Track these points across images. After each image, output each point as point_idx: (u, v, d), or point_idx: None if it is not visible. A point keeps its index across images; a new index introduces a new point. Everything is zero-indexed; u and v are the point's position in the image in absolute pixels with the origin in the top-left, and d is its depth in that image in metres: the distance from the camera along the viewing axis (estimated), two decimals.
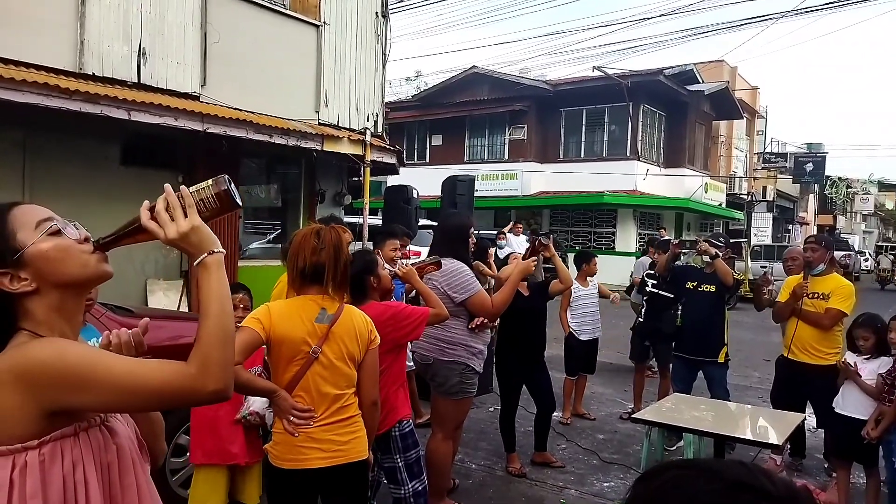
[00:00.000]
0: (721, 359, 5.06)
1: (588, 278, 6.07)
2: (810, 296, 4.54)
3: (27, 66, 5.82)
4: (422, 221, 9.93)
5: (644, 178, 19.66)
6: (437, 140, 23.16)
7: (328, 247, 2.30)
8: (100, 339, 1.43)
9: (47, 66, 5.99)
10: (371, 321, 2.46)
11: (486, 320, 3.74)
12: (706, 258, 5.10)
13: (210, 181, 1.29)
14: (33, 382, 1.10)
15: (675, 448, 5.13)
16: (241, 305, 3.07)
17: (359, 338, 2.37)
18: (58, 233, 1.22)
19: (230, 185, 1.29)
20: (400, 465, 3.09)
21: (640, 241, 19.51)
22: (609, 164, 19.35)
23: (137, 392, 1.15)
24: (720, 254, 5.04)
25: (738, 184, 27.49)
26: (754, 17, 17.59)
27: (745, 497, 0.68)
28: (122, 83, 6.56)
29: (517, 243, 11.40)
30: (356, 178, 9.85)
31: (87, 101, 5.69)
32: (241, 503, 3.04)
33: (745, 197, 27.58)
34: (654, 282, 5.96)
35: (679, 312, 5.27)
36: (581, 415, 5.99)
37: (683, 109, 21.15)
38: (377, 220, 9.87)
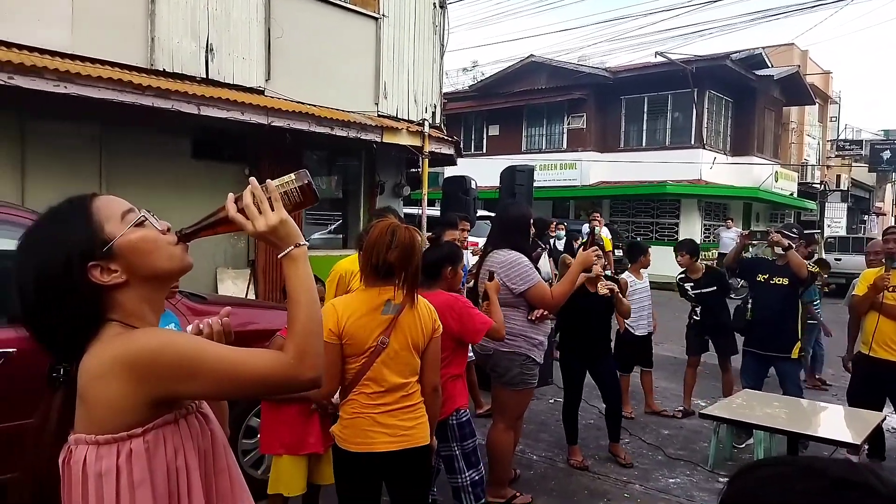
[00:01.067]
0: (794, 354, 4.87)
1: (642, 271, 5.91)
2: (891, 289, 4.31)
3: (102, 62, 6.08)
4: (479, 212, 9.92)
5: (711, 166, 19.00)
6: (493, 130, 23.01)
7: (400, 248, 2.32)
8: (177, 324, 1.46)
9: (121, 62, 6.25)
10: (434, 311, 2.49)
11: (545, 312, 3.70)
12: (778, 250, 4.89)
13: (293, 175, 1.30)
14: (144, 372, 1.11)
15: (744, 446, 4.97)
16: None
17: (423, 327, 2.41)
18: (142, 223, 1.22)
19: (310, 176, 1.30)
20: (457, 453, 3.12)
21: (704, 233, 18.92)
22: (672, 153, 18.80)
23: (241, 380, 1.16)
24: (792, 245, 4.84)
25: (811, 172, 26.30)
26: None
27: (852, 495, 0.64)
28: (192, 79, 6.78)
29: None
30: (414, 170, 9.91)
31: (159, 97, 5.90)
32: (316, 484, 3.11)
33: (818, 186, 26.35)
34: (692, 283, 5.84)
35: (749, 306, 5.08)
36: (657, 412, 5.83)
37: (752, 95, 20.33)
38: (435, 211, 9.90)
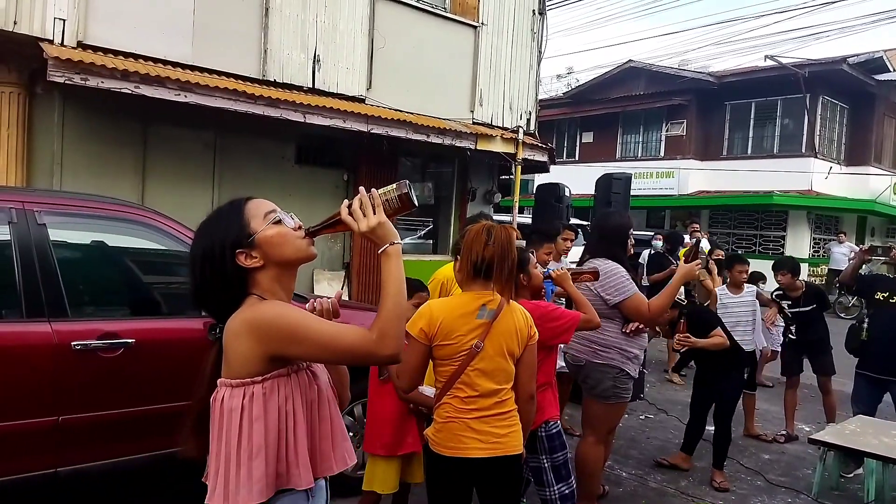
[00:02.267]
0: None
1: (743, 286, 5.61)
2: None
3: (219, 73, 6.49)
4: (572, 221, 9.78)
5: (826, 176, 17.83)
6: (587, 137, 22.64)
7: (498, 243, 2.38)
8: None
9: (236, 73, 6.65)
10: (531, 318, 2.48)
11: (641, 325, 3.60)
12: None
13: (394, 185, 1.57)
14: (262, 333, 1.45)
15: (852, 475, 4.64)
16: (417, 301, 3.17)
17: (518, 334, 2.40)
18: (279, 222, 1.55)
19: (409, 188, 1.56)
20: (546, 465, 3.06)
21: (813, 247, 17.80)
22: (780, 162, 17.80)
23: (334, 348, 1.46)
24: None
25: None
26: None
27: None
28: (299, 88, 7.11)
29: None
30: (505, 177, 9.90)
31: (269, 106, 6.23)
32: (406, 483, 3.18)
33: None
34: (789, 302, 5.55)
35: (865, 325, 4.75)
36: (756, 435, 5.56)
37: (870, 101, 18.94)
38: (526, 219, 9.86)
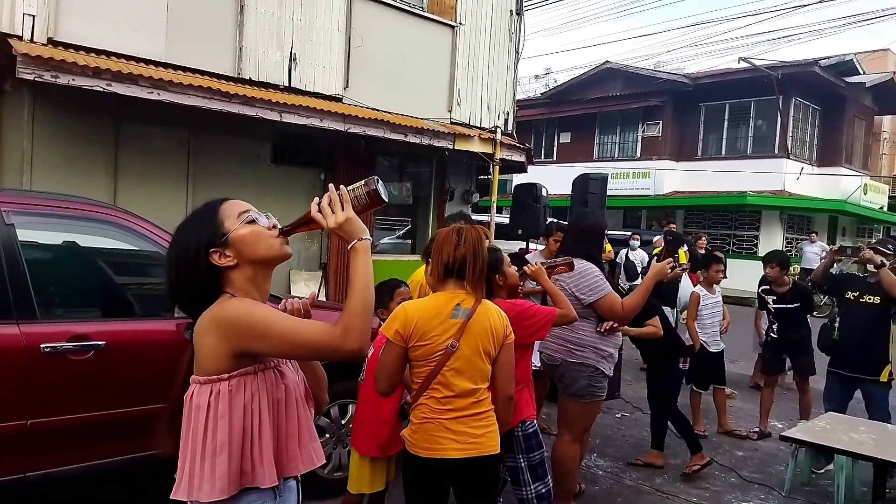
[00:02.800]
0: (884, 377, 4.60)
1: (714, 286, 5.70)
2: None
3: (193, 71, 6.41)
4: (549, 220, 9.81)
5: (798, 177, 18.14)
6: (565, 138, 22.79)
7: (468, 244, 2.40)
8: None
9: (210, 71, 6.57)
10: (506, 317, 2.49)
11: (616, 324, 3.63)
12: (870, 267, 4.62)
13: (363, 181, 1.59)
14: (227, 329, 1.47)
15: (823, 471, 4.73)
16: (400, 298, 3.17)
17: (494, 333, 2.40)
18: (253, 221, 1.57)
19: (378, 184, 1.58)
20: (522, 465, 3.07)
21: (786, 246, 18.10)
22: (753, 163, 18.09)
23: (298, 343, 1.48)
24: (886, 262, 4.55)
25: None
26: None
27: None
28: (275, 87, 7.05)
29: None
30: (484, 177, 9.92)
31: (245, 104, 6.16)
32: (387, 481, 3.19)
33: None
34: (774, 297, 5.60)
35: (836, 325, 4.83)
36: (730, 431, 5.62)
37: (841, 103, 19.32)
38: (504, 219, 9.88)
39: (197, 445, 1.47)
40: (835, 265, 5.61)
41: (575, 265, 3.50)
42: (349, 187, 1.58)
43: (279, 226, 1.61)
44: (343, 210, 1.53)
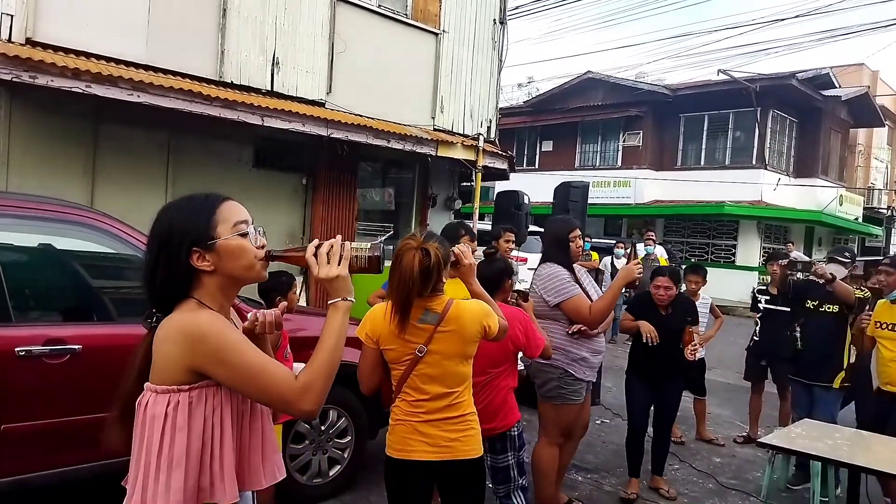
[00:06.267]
0: (836, 384, 4.59)
1: (699, 294, 5.70)
2: (882, 326, 4.14)
3: (174, 73, 6.36)
4: (532, 228, 9.85)
5: (775, 188, 18.42)
6: (547, 146, 22.94)
7: (398, 270, 2.30)
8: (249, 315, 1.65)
9: (192, 74, 6.52)
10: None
11: (584, 327, 3.66)
12: (823, 282, 4.57)
13: (369, 244, 1.57)
14: (193, 343, 1.39)
15: (800, 487, 4.71)
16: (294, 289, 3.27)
17: (468, 336, 2.35)
18: (245, 235, 1.50)
19: (382, 254, 1.57)
20: (512, 462, 3.15)
21: (763, 256, 18.36)
22: (732, 173, 18.34)
23: (256, 383, 1.41)
24: (836, 276, 4.45)
25: (878, 197, 25.24)
26: None
27: None
28: (258, 91, 7.02)
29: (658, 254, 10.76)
30: (466, 184, 9.95)
31: (226, 107, 6.12)
32: None
33: (885, 211, 25.28)
34: (768, 297, 5.63)
35: (798, 334, 4.85)
36: (708, 440, 5.65)
37: (817, 116, 19.68)
38: (486, 226, 9.89)
39: (151, 458, 1.39)
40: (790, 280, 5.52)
41: (543, 269, 3.69)
42: (353, 244, 1.54)
43: (266, 246, 1.55)
44: (339, 265, 1.50)
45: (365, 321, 2.41)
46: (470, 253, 2.74)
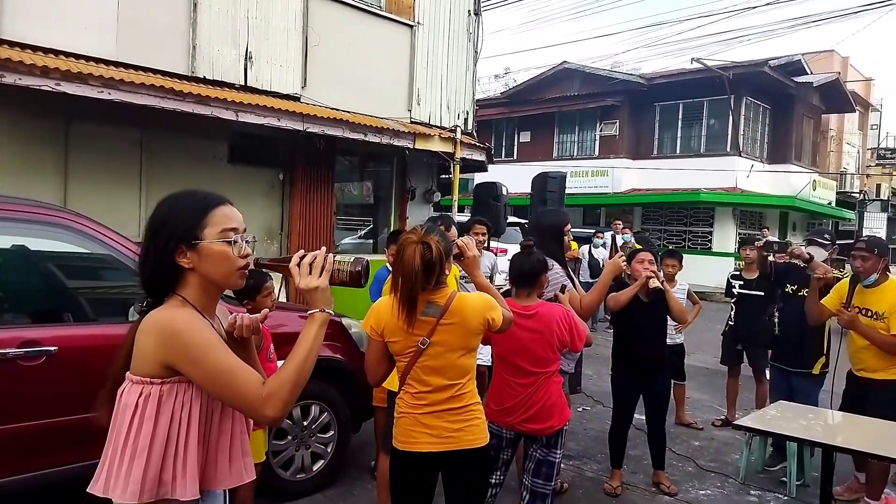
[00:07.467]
0: (816, 370, 4.59)
1: (675, 280, 5.76)
2: (862, 312, 4.05)
3: (145, 70, 6.26)
4: (511, 219, 9.90)
5: (748, 175, 18.67)
6: (525, 137, 23.00)
7: (400, 265, 2.30)
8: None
9: (163, 69, 6.43)
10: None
11: None
12: (801, 262, 4.58)
13: (352, 259, 1.63)
14: (167, 339, 1.43)
15: (778, 468, 4.80)
16: (267, 293, 3.26)
17: (471, 329, 2.35)
18: (230, 243, 1.54)
19: (364, 269, 1.62)
20: (560, 458, 3.14)
21: (738, 242, 18.62)
22: (707, 161, 18.55)
23: (224, 385, 1.45)
24: (813, 255, 4.38)
25: (850, 181, 25.73)
26: (870, 4, 16.23)
27: None
28: (231, 86, 6.94)
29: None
30: (445, 176, 9.96)
31: (199, 103, 6.05)
32: None
33: (857, 195, 25.78)
34: (741, 282, 5.71)
35: (776, 320, 4.90)
36: (687, 424, 5.74)
37: (790, 102, 19.97)
38: (465, 217, 9.92)
39: (119, 444, 1.45)
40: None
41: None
42: (338, 257, 1.60)
43: (252, 256, 1.59)
44: (320, 276, 1.55)
45: (370, 314, 2.43)
46: (473, 245, 2.76)
